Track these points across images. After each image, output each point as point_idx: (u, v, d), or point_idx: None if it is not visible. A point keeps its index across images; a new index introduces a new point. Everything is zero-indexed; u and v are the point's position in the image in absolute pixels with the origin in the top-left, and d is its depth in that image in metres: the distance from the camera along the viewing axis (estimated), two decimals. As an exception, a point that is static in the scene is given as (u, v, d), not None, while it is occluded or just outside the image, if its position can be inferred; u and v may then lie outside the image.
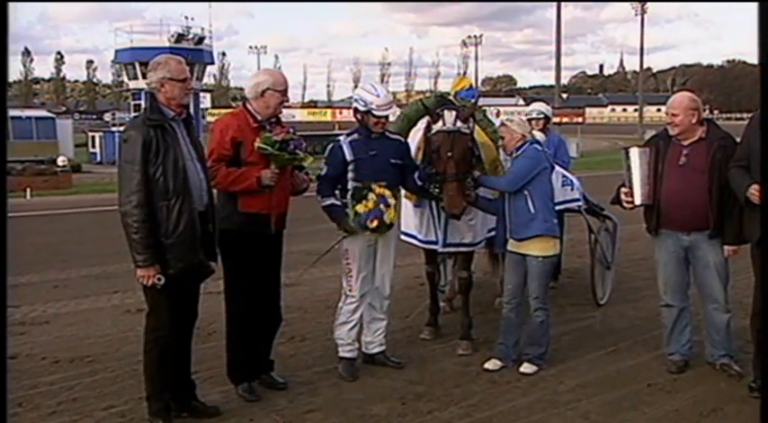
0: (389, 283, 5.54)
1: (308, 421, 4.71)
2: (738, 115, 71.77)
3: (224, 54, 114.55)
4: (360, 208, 5.09)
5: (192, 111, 4.71)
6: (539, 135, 6.61)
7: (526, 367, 5.47)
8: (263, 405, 4.89)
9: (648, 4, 66.99)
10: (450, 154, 5.27)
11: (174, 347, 4.44)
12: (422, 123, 5.67)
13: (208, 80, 74.52)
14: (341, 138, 5.39)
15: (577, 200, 7.05)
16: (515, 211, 5.41)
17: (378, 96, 5.21)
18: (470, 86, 6.04)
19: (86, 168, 37.36)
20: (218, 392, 5.06)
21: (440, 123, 5.37)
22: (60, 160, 33.18)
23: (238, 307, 4.94)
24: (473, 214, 5.71)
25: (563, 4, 47.78)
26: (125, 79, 45.79)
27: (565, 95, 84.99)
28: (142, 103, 39.57)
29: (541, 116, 7.83)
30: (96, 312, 7.41)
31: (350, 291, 5.40)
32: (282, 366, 5.43)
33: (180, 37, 40.67)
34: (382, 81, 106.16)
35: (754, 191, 4.70)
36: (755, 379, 4.98)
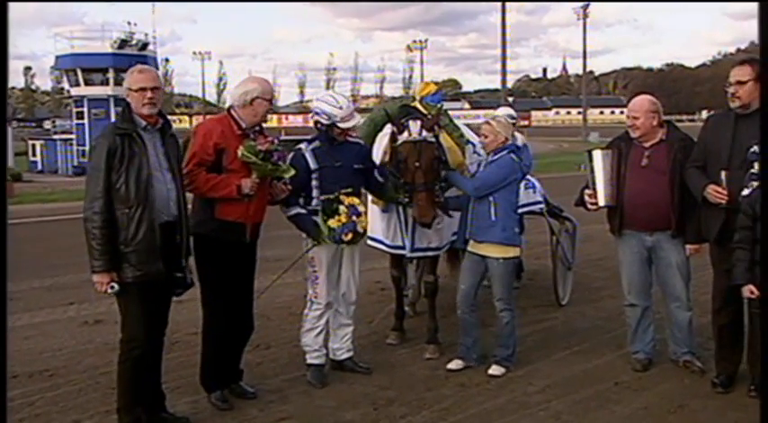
0: (355, 288, 5.53)
1: (281, 430, 4.67)
2: (677, 117, 73.54)
3: (167, 60, 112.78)
4: (333, 223, 5.06)
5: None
6: (520, 138, 6.65)
7: (494, 369, 5.49)
8: (234, 414, 4.83)
9: (590, 8, 67.68)
10: (417, 164, 5.26)
11: (148, 358, 4.37)
12: (388, 128, 5.67)
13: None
14: (302, 146, 5.32)
15: (539, 202, 7.13)
16: (477, 215, 5.44)
17: (340, 108, 5.17)
18: (436, 91, 6.02)
19: (27, 177, 36.32)
20: (185, 403, 4.98)
21: (405, 134, 5.36)
22: (0, 169, 32.25)
23: (214, 313, 4.88)
24: (440, 218, 5.71)
25: (507, 8, 48.05)
26: (66, 86, 44.71)
27: (511, 99, 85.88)
28: (85, 110, 38.90)
29: (512, 120, 7.86)
30: (52, 325, 7.22)
31: (315, 297, 5.37)
32: (250, 375, 5.36)
33: (123, 43, 39.81)
34: (328, 86, 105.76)
35: (710, 190, 4.83)
36: (718, 375, 5.11)
